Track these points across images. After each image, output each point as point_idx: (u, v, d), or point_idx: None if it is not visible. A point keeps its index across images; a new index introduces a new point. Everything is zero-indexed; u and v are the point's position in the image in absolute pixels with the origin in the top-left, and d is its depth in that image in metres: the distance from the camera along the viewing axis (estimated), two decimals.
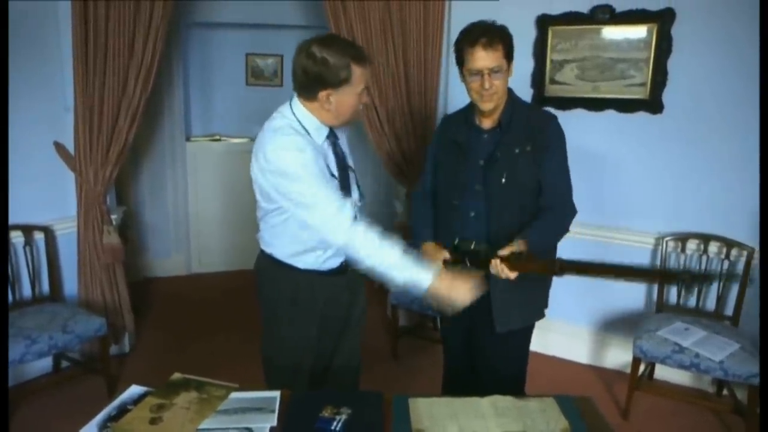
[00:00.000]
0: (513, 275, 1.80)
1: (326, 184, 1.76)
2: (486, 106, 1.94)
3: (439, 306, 1.81)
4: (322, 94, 1.75)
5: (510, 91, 2.01)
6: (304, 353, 2.00)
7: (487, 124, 2.02)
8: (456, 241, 1.96)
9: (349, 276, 1.99)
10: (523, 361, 2.20)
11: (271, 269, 1.95)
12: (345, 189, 1.89)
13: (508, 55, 1.91)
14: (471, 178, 2.01)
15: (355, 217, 1.81)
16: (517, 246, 1.82)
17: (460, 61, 1.95)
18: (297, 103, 1.83)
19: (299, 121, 1.81)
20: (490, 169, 1.97)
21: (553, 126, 1.99)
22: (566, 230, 2.04)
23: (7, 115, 2.83)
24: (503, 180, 1.94)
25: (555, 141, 1.99)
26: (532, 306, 2.11)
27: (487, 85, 1.88)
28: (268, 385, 2.02)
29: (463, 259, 1.93)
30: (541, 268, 1.82)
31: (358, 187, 2.00)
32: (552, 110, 2.11)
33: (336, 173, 1.87)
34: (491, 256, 1.82)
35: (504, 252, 1.81)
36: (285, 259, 1.91)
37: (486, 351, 2.14)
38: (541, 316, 2.16)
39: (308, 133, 1.81)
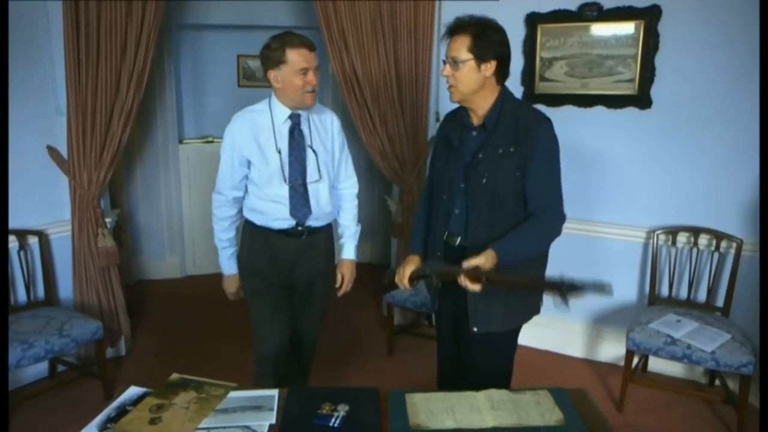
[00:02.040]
0: (476, 287, 1.77)
1: (227, 166, 2.27)
2: (450, 98, 2.00)
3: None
4: (271, 74, 2.16)
5: (503, 90, 1.99)
6: (269, 302, 2.38)
7: (476, 121, 2.01)
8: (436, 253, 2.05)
9: (303, 240, 2.32)
10: (508, 362, 2.18)
11: (243, 228, 2.41)
12: (297, 165, 2.24)
13: (476, 50, 1.88)
14: (457, 176, 2.01)
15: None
16: (484, 257, 1.79)
17: None
18: (272, 93, 2.26)
19: (269, 105, 2.25)
20: (473, 168, 1.95)
21: (540, 129, 1.92)
22: (554, 236, 1.98)
23: (7, 120, 2.83)
24: (484, 180, 1.92)
25: (541, 146, 1.91)
26: (516, 309, 2.06)
27: (444, 72, 1.95)
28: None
29: (428, 277, 2.01)
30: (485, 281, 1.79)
31: (319, 168, 2.29)
32: (542, 107, 2.12)
33: (284, 150, 2.22)
34: (454, 274, 1.82)
35: (467, 265, 1.79)
36: (247, 216, 2.37)
37: (470, 350, 2.13)
38: (526, 320, 2.12)
39: (271, 114, 2.24)
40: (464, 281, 1.77)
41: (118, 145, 3.21)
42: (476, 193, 1.95)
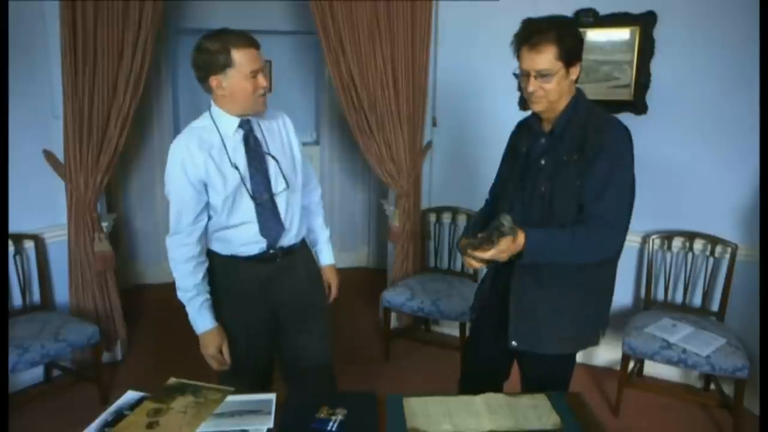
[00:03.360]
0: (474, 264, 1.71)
1: (184, 197, 1.95)
2: (534, 107, 1.81)
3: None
4: (213, 81, 1.87)
5: (577, 92, 1.83)
6: (235, 339, 2.06)
7: (546, 127, 1.86)
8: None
9: (276, 266, 2.06)
10: (562, 387, 1.96)
11: (210, 259, 2.07)
12: (259, 177, 1.98)
13: (566, 56, 1.71)
14: (517, 184, 1.89)
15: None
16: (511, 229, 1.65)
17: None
18: (212, 102, 1.99)
19: (212, 118, 1.96)
20: (533, 177, 1.83)
21: (609, 135, 1.75)
22: (599, 250, 1.78)
23: (6, 125, 2.83)
24: (543, 188, 1.79)
25: (607, 149, 1.72)
26: (566, 334, 1.88)
27: (531, 88, 1.75)
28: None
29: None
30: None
31: (284, 175, 2.03)
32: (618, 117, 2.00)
33: (242, 163, 1.95)
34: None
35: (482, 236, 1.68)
36: (211, 247, 2.06)
37: (523, 368, 2.04)
38: (581, 347, 1.96)
39: (217, 129, 1.94)
40: (487, 253, 1.67)
41: (115, 149, 3.21)
42: (533, 202, 1.82)
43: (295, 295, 2.13)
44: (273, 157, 2.02)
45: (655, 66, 3.11)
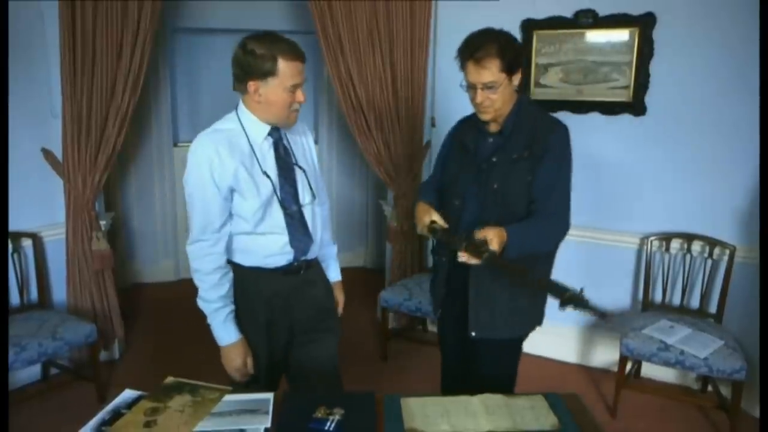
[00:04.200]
0: (475, 261, 1.74)
1: (211, 203, 1.82)
2: (483, 117, 1.94)
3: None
4: (251, 86, 1.79)
5: (520, 96, 1.98)
6: (255, 352, 2.00)
7: (493, 128, 1.99)
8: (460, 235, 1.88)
9: (300, 277, 2.00)
10: (511, 371, 2.18)
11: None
12: (288, 187, 1.92)
13: (508, 68, 1.85)
14: (470, 181, 2.00)
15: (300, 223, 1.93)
16: (494, 231, 1.75)
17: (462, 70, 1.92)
18: (240, 105, 1.90)
19: (240, 120, 1.88)
20: (487, 174, 1.94)
21: (554, 135, 1.92)
22: (552, 243, 1.98)
23: (6, 124, 2.82)
24: (496, 185, 1.92)
25: (552, 150, 1.90)
26: (518, 318, 2.05)
27: (479, 100, 1.88)
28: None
29: (439, 239, 1.94)
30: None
31: (311, 187, 1.99)
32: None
33: (272, 172, 1.89)
34: (459, 243, 1.79)
35: (474, 235, 1.77)
36: (230, 257, 1.95)
37: (474, 357, 2.14)
38: (528, 330, 2.12)
39: (246, 134, 1.86)
40: (463, 254, 1.75)
41: (113, 148, 3.21)
42: (487, 197, 1.94)
43: (312, 308, 2.07)
44: (301, 168, 1.98)
45: (654, 67, 3.11)
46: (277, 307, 1.99)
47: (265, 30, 1.82)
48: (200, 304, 1.91)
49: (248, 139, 1.86)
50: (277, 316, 2.00)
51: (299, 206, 1.94)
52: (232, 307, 1.92)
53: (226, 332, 1.92)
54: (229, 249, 1.93)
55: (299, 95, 1.83)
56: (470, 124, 2.07)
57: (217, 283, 1.87)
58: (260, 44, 1.75)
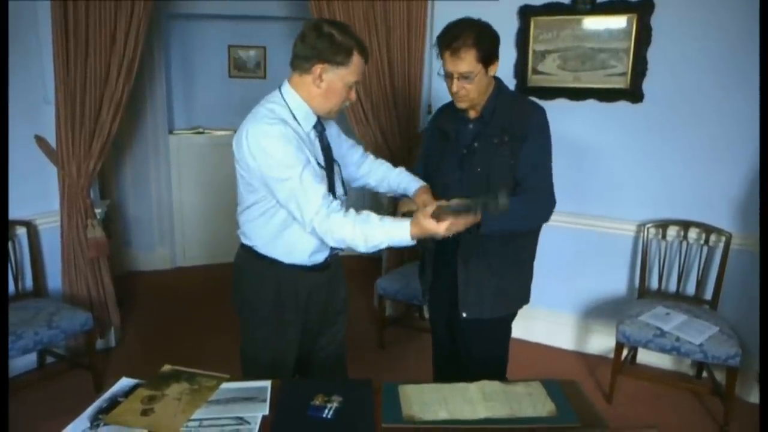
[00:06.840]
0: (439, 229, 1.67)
1: (311, 172, 1.72)
2: (459, 105, 1.98)
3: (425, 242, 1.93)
4: (317, 68, 1.73)
5: (497, 82, 2.02)
6: (286, 353, 1.99)
7: (472, 114, 2.04)
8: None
9: (330, 271, 2.00)
10: (502, 350, 2.23)
11: (253, 264, 1.91)
12: (330, 180, 1.87)
13: (484, 59, 1.88)
14: (453, 167, 2.04)
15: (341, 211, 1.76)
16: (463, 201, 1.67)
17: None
18: (288, 89, 1.81)
19: (288, 106, 1.79)
20: (469, 159, 1.99)
21: (534, 117, 1.98)
22: (539, 219, 2.02)
23: (6, 113, 2.79)
24: (479, 169, 1.96)
25: (534, 132, 1.95)
26: (506, 297, 2.10)
27: (454, 89, 1.92)
28: (246, 378, 1.93)
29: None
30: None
31: (342, 182, 1.97)
32: (534, 100, 2.11)
33: (323, 164, 1.84)
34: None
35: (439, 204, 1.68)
36: (268, 254, 1.87)
37: (464, 338, 2.18)
38: (516, 308, 2.18)
39: (296, 120, 1.78)
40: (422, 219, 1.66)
41: (108, 135, 3.18)
42: (471, 182, 1.97)
43: (336, 300, 2.08)
44: (338, 163, 1.95)
45: (652, 54, 3.09)
46: (313, 304, 1.97)
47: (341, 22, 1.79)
48: (368, 250, 1.72)
49: (300, 126, 1.78)
50: (312, 313, 1.99)
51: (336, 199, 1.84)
52: (372, 213, 1.73)
53: (397, 229, 1.70)
54: (267, 243, 1.85)
55: (353, 94, 1.83)
56: (450, 111, 2.11)
57: (360, 234, 1.68)
58: (340, 32, 1.73)
